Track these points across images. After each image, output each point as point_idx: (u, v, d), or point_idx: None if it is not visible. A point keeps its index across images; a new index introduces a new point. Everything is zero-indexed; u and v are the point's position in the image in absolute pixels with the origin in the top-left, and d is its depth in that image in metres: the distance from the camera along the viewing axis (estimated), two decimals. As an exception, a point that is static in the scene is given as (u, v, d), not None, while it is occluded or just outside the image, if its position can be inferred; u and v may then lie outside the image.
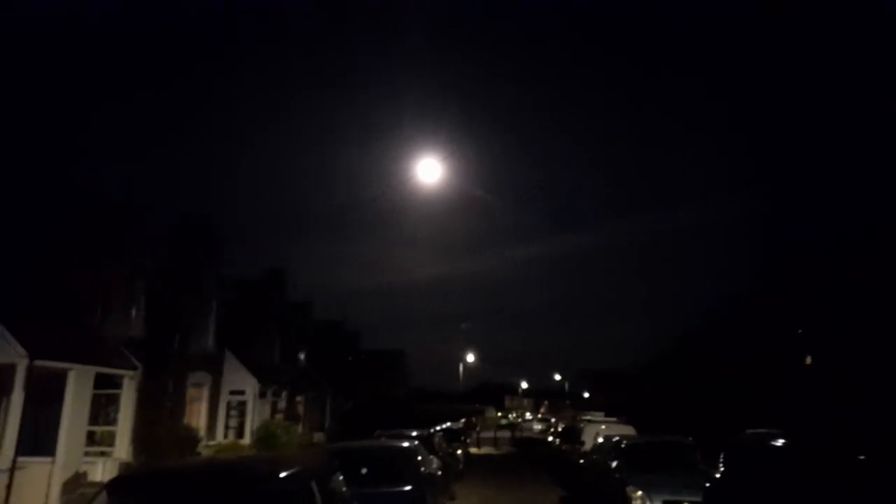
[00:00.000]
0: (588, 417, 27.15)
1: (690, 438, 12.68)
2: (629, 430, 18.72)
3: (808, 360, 27.01)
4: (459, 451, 23.22)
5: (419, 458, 10.00)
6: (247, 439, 22.43)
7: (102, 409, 16.72)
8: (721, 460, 8.41)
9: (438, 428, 25.03)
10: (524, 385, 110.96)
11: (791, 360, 23.30)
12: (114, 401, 16.70)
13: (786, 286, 23.80)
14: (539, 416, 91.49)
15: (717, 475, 8.44)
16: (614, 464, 11.98)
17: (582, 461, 16.92)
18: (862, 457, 5.26)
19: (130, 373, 16.67)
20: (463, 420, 45.62)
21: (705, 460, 11.27)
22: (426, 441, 14.83)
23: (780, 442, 6.74)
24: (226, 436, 22.80)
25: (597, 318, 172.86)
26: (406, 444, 10.54)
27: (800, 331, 27.76)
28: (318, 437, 30.58)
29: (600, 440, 15.76)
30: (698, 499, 8.74)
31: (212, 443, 20.91)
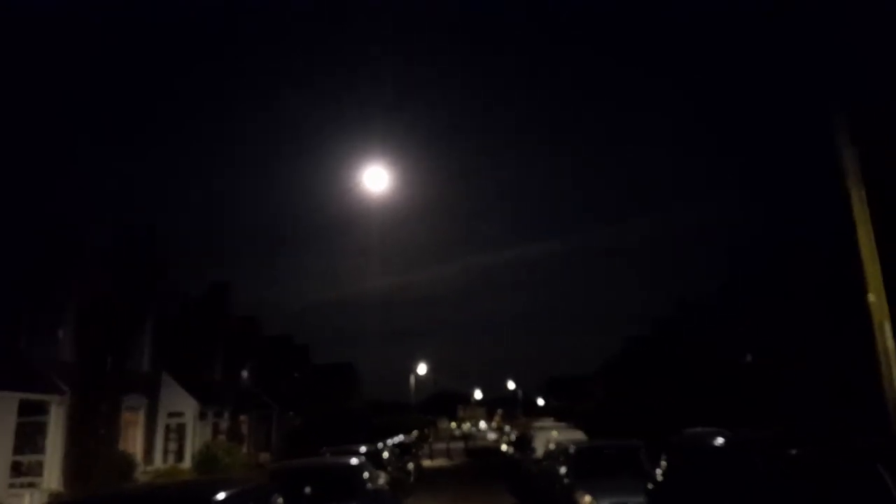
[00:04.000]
0: (539, 425, 27.37)
1: (636, 440, 12.80)
2: (578, 435, 18.91)
3: (749, 357, 27.78)
4: (411, 465, 22.91)
5: (365, 474, 9.72)
6: (187, 463, 21.58)
7: (29, 438, 15.82)
8: (662, 460, 8.48)
9: (388, 442, 24.68)
10: (478, 394, 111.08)
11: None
12: (41, 428, 15.81)
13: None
14: (493, 425, 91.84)
15: (660, 475, 8.49)
16: (563, 470, 11.98)
17: (533, 469, 16.92)
18: (794, 451, 5.32)
19: (58, 398, 15.80)
20: (415, 432, 45.22)
21: (651, 461, 11.39)
22: (374, 456, 14.53)
23: (718, 440, 6.82)
24: (165, 460, 21.90)
25: (554, 327, 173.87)
26: (352, 461, 10.22)
27: (741, 329, 28.47)
28: (265, 457, 29.69)
29: (551, 447, 15.78)
30: (643, 500, 8.78)
31: (150, 468, 20.04)
